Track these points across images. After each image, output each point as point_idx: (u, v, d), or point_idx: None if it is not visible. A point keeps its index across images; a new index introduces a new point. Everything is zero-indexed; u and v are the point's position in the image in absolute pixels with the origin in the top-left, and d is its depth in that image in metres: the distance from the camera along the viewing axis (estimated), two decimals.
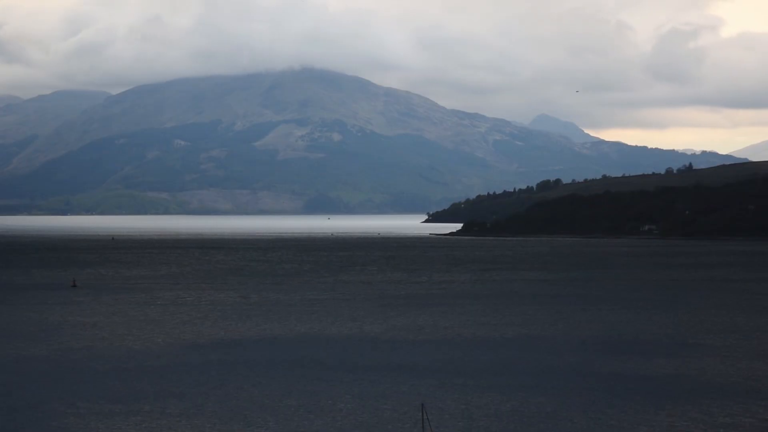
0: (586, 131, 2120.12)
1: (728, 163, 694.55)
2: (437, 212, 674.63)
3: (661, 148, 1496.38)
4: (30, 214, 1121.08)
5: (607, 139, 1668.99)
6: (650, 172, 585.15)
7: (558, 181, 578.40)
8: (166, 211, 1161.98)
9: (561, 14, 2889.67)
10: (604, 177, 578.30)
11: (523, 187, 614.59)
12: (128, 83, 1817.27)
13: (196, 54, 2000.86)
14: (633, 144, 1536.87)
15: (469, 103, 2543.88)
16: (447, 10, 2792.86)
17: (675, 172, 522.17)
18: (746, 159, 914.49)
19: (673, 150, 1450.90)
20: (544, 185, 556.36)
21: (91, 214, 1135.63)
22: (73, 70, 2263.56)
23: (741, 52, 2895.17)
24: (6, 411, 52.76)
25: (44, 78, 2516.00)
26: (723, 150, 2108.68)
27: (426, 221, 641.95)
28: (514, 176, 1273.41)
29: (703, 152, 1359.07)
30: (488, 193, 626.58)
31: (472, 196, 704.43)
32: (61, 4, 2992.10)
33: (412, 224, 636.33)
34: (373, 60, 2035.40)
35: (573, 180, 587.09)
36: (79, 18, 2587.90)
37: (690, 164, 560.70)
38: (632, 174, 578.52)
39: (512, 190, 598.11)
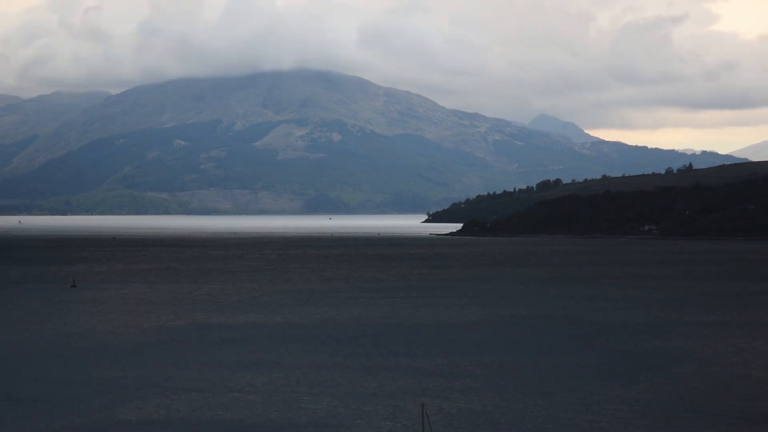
0: (587, 131, 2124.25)
1: (728, 163, 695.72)
2: (437, 212, 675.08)
3: (661, 148, 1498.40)
4: (30, 214, 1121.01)
5: (607, 139, 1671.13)
6: (650, 172, 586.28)
7: (558, 181, 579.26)
8: (166, 211, 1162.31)
9: (548, 12, 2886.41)
10: (604, 177, 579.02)
11: (523, 187, 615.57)
12: (128, 83, 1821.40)
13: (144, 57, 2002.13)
14: (633, 144, 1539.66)
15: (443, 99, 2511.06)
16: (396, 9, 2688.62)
17: (675, 172, 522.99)
18: (746, 159, 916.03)
19: (673, 150, 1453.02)
20: (544, 185, 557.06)
21: (91, 214, 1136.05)
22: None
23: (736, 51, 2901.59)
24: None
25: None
26: (723, 150, 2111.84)
27: (426, 221, 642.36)
28: (514, 176, 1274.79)
29: (703, 152, 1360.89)
30: (488, 193, 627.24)
31: (472, 196, 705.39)
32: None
33: (412, 224, 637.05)
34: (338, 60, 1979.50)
35: (573, 180, 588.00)
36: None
37: (690, 164, 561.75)
38: (632, 174, 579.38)
39: (512, 190, 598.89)
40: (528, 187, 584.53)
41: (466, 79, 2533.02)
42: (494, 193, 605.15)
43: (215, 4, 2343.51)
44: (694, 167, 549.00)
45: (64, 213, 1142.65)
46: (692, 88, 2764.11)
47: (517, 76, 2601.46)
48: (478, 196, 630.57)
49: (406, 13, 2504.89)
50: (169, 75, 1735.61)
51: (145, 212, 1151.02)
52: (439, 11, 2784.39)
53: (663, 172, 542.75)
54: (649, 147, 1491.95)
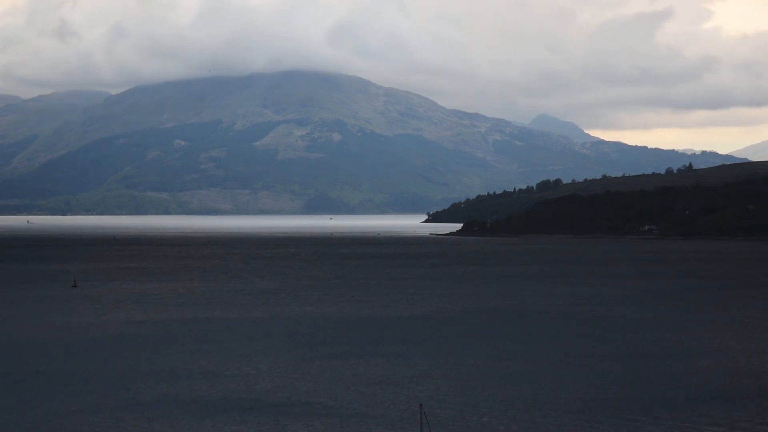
0: (587, 131, 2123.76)
1: (728, 163, 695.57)
2: (437, 212, 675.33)
3: (662, 148, 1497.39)
4: (30, 214, 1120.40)
5: (607, 139, 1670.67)
6: (650, 172, 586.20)
7: (558, 181, 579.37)
8: (166, 211, 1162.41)
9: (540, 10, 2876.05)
10: (604, 177, 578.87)
11: (523, 187, 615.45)
12: (128, 83, 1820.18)
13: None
14: (633, 144, 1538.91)
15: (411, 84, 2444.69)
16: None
17: (675, 172, 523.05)
18: (746, 159, 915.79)
19: (673, 150, 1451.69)
20: (544, 185, 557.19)
21: (91, 214, 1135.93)
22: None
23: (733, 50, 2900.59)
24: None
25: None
26: (723, 150, 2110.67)
27: (426, 221, 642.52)
28: (514, 176, 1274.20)
29: (703, 152, 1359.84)
30: (488, 193, 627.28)
31: (472, 196, 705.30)
32: None
33: (412, 224, 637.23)
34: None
35: (573, 180, 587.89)
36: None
37: (690, 164, 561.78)
38: (632, 174, 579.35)
39: (512, 190, 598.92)
40: (528, 187, 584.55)
41: (451, 78, 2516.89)
42: (494, 193, 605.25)
43: (215, 4, 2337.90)
44: (694, 167, 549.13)
45: (64, 213, 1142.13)
46: (682, 87, 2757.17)
47: (503, 75, 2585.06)
48: (478, 196, 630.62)
49: (383, 9, 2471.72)
50: (165, 76, 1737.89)
51: (145, 212, 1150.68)
52: (418, 9, 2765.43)
53: (663, 172, 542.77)
54: (649, 147, 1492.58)
